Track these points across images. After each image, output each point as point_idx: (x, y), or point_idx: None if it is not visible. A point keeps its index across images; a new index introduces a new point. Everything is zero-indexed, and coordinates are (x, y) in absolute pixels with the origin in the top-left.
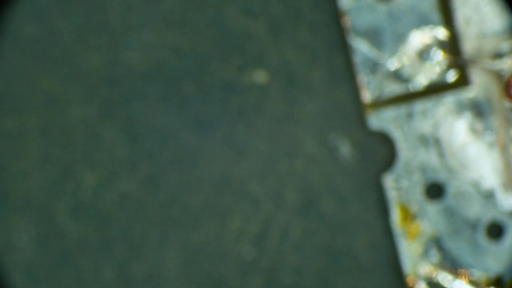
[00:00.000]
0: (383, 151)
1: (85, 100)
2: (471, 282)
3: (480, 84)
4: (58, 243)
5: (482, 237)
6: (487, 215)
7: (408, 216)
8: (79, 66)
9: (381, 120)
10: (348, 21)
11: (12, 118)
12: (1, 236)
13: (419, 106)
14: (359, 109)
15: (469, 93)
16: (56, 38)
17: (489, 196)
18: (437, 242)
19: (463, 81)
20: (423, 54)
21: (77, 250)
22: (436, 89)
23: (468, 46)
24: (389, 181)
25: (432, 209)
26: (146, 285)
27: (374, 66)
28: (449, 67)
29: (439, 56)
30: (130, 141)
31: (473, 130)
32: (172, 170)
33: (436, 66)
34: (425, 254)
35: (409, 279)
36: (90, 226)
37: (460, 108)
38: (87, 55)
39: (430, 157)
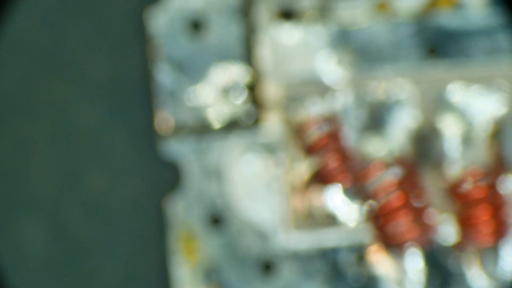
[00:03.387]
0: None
1: (92, 103)
2: None
3: (274, 126)
4: (68, 244)
5: (256, 273)
6: (263, 253)
7: (189, 245)
8: (85, 71)
9: (173, 149)
10: (156, 46)
11: (21, 122)
12: (11, 238)
13: (212, 139)
14: (153, 135)
15: (263, 134)
16: (62, 43)
17: (267, 235)
18: (213, 273)
19: (258, 121)
20: (224, 90)
21: (86, 251)
22: (231, 125)
23: (270, 87)
24: (171, 208)
25: (212, 240)
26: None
27: (174, 95)
28: (247, 105)
29: (240, 93)
30: (136, 144)
31: (260, 169)
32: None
33: (234, 103)
34: (200, 283)
35: None
36: (99, 227)
37: (251, 146)
38: (93, 59)
39: (216, 190)
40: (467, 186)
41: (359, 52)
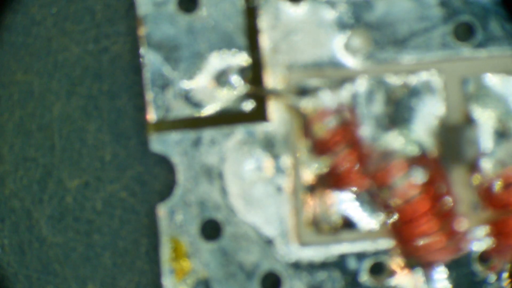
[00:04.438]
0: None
1: (66, 95)
2: None
3: (278, 120)
4: (39, 250)
5: (256, 286)
6: (265, 263)
7: (179, 252)
8: (59, 58)
9: (164, 143)
10: (143, 30)
11: None
12: None
13: (208, 134)
14: (143, 128)
15: (264, 128)
16: (34, 29)
17: (269, 243)
18: (206, 284)
19: (259, 114)
20: (221, 78)
21: (60, 258)
22: (229, 118)
23: (271, 76)
24: (162, 211)
25: (206, 248)
26: None
27: (165, 84)
28: (247, 96)
29: (238, 83)
30: (122, 139)
31: (262, 169)
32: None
33: (232, 94)
34: None
35: None
36: (74, 232)
37: (252, 143)
38: (68, 46)
39: (211, 192)
40: (502, 187)
41: (376, 30)
